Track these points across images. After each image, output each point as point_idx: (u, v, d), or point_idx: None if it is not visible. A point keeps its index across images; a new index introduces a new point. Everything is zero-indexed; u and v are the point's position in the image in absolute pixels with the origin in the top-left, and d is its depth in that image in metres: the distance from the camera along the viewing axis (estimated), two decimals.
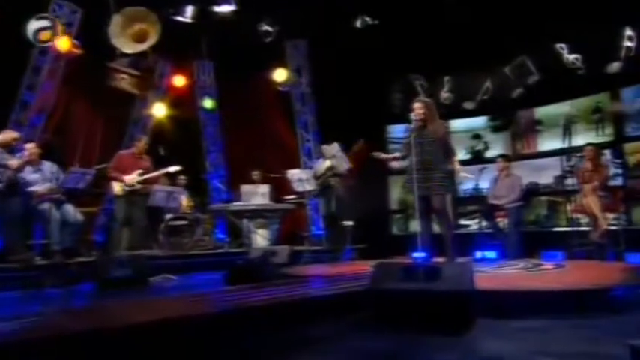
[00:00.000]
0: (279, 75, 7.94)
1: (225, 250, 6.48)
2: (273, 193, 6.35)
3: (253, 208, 6.18)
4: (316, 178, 6.17)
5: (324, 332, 2.54)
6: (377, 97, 7.86)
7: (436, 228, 4.36)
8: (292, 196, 6.71)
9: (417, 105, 4.33)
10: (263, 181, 6.72)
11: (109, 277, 3.83)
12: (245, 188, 6.27)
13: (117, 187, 5.49)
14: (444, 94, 7.80)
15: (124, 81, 5.48)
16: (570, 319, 2.71)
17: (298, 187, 6.21)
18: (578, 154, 5.82)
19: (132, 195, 5.46)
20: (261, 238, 6.42)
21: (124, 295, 3.47)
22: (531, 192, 6.91)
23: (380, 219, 7.79)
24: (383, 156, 4.64)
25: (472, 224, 7.44)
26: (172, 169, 5.72)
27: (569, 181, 6.33)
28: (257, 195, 6.24)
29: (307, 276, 4.09)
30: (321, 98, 7.96)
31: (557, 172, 6.87)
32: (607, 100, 6.60)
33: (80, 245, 5.27)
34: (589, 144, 5.84)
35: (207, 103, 8.51)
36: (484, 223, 6.29)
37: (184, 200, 6.60)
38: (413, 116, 4.28)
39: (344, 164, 5.66)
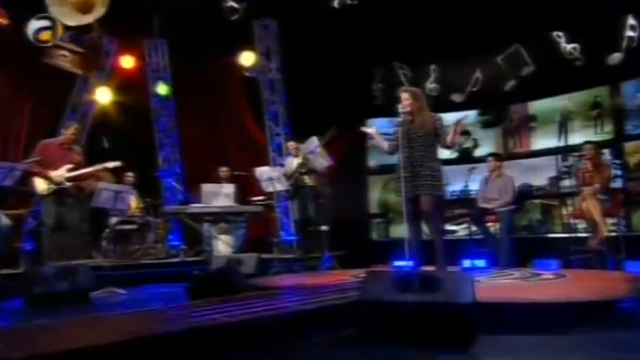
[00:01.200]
0: (246, 59, 7.88)
1: (182, 260, 6.40)
2: (238, 193, 6.29)
3: (216, 210, 6.10)
4: (288, 177, 6.16)
5: (306, 352, 2.51)
6: (356, 86, 7.85)
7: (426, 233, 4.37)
8: (260, 197, 6.67)
9: (403, 95, 4.35)
10: (227, 180, 6.64)
11: (40, 292, 3.70)
12: (207, 188, 6.18)
13: (41, 185, 5.14)
14: (430, 85, 7.85)
15: (64, 59, 5.22)
16: (579, 333, 2.75)
17: (268, 187, 6.13)
18: (577, 154, 5.98)
19: (61, 195, 5.17)
20: (223, 245, 6.33)
21: (59, 313, 3.34)
22: (524, 194, 7.05)
23: (357, 223, 7.81)
24: (371, 130, 4.58)
25: (459, 230, 7.54)
26: (111, 164, 5.45)
27: (566, 183, 6.52)
28: (220, 195, 6.18)
29: (282, 288, 4.06)
30: (293, 87, 7.94)
31: (552, 173, 7.05)
32: (607, 95, 6.81)
33: (6, 255, 5.07)
34: (588, 142, 5.99)
35: (161, 88, 8.39)
36: (473, 229, 6.38)
37: (133, 201, 6.46)
38: (400, 108, 4.30)
39: (322, 161, 5.63)
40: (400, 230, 7.78)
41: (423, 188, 4.17)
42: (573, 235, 6.01)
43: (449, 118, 8.26)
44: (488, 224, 6.13)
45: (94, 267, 4.79)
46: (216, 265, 5.04)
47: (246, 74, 7.92)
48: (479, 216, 6.23)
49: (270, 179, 5.98)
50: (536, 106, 7.45)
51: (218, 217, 6.22)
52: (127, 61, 7.88)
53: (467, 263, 6.19)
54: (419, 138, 4.23)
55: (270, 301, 2.99)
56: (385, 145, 4.43)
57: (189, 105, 8.14)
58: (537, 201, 7.32)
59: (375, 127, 4.70)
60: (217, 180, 6.56)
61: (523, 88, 7.30)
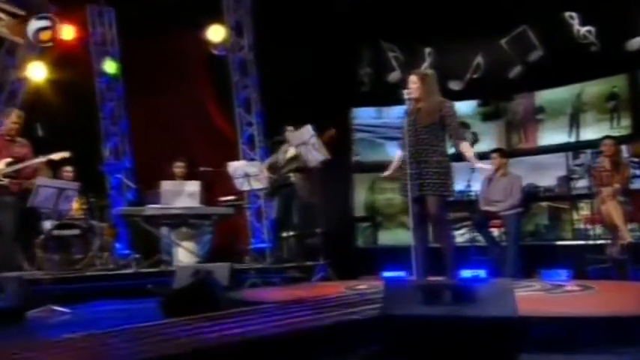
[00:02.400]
0: (214, 33, 7.72)
1: (135, 271, 6.11)
2: (204, 192, 6.17)
3: (178, 212, 5.97)
4: (274, 170, 6.09)
5: None
6: (340, 70, 7.83)
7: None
8: (230, 197, 6.61)
9: (411, 78, 4.36)
10: (187, 176, 6.50)
11: None
12: (167, 186, 6.04)
13: None
14: (424, 71, 7.83)
15: None
16: (623, 354, 2.74)
17: (242, 185, 6.06)
18: (593, 150, 6.07)
19: None
20: (186, 254, 6.17)
21: None
22: (530, 196, 7.11)
23: (341, 228, 7.72)
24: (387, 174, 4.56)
25: (458, 236, 7.50)
26: (57, 155, 5.34)
27: (580, 183, 6.63)
28: (182, 195, 6.03)
29: (276, 302, 3.99)
30: (268, 69, 7.85)
31: (562, 172, 7.16)
32: (625, 85, 6.93)
33: None
34: (608, 137, 6.09)
35: (109, 66, 8.18)
36: (474, 234, 6.41)
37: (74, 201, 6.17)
38: (406, 94, 4.27)
39: (317, 155, 5.55)
40: (389, 236, 7.98)
41: (429, 188, 4.16)
42: (590, 242, 6.10)
43: None
44: (492, 229, 6.18)
45: (29, 280, 4.60)
46: (181, 277, 4.77)
47: (213, 52, 7.80)
48: (482, 221, 6.26)
49: (246, 176, 5.91)
50: (545, 96, 7.53)
51: (180, 221, 6.09)
52: (67, 32, 7.48)
53: (467, 273, 6.19)
54: (424, 129, 4.23)
55: (272, 317, 2.88)
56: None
57: (142, 87, 7.92)
58: (545, 204, 7.42)
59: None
60: (172, 177, 6.48)
61: (530, 76, 7.36)
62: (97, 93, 8.33)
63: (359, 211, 8.09)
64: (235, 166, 6.12)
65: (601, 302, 3.74)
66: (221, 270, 4.77)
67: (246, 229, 7.59)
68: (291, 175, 6.15)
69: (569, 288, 4.37)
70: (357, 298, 3.81)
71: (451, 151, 4.39)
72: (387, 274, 6.31)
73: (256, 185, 6.03)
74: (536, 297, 4.03)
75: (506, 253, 6.01)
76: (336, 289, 4.60)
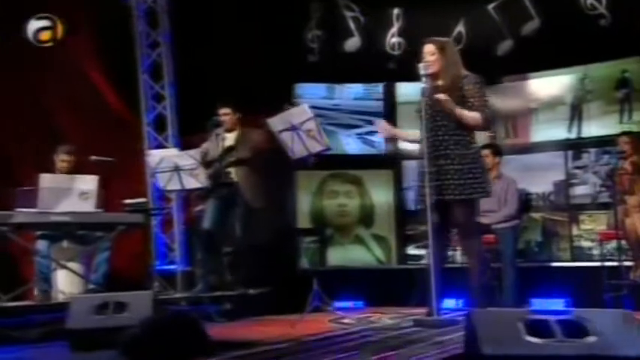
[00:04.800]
0: None
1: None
2: (102, 192, 5.92)
3: (62, 219, 5.68)
4: (205, 165, 5.95)
5: None
6: (280, 32, 7.68)
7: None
8: (140, 200, 6.35)
9: (427, 49, 4.49)
10: (66, 171, 6.19)
11: None
12: (48, 181, 5.73)
13: None
14: (392, 40, 7.82)
15: None
16: None
17: (169, 183, 5.90)
18: (603, 149, 6.12)
19: None
20: (68, 280, 5.95)
21: None
22: (522, 206, 7.14)
23: (279, 244, 7.54)
24: (394, 131, 4.90)
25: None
26: None
27: (581, 190, 6.63)
28: (71, 195, 5.74)
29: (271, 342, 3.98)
30: (187, 27, 7.56)
31: (560, 176, 7.27)
32: (638, 69, 7.08)
33: None
34: (627, 132, 6.25)
35: None
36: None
37: None
38: (420, 69, 4.41)
39: (314, 145, 5.37)
40: (342, 255, 7.90)
41: (451, 190, 4.28)
42: (599, 263, 6.21)
43: (415, 89, 8.38)
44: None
45: None
46: (79, 313, 4.46)
47: None
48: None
49: (177, 170, 5.66)
50: (540, 79, 7.61)
51: (65, 232, 5.88)
52: None
53: (446, 303, 6.15)
54: (441, 114, 4.38)
55: None
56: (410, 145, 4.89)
57: None
58: (538, 215, 7.49)
59: (383, 123, 4.97)
60: (49, 171, 6.14)
61: (523, 53, 7.39)
62: None
63: (303, 221, 7.95)
64: (160, 156, 5.93)
65: None
66: (139, 301, 4.57)
67: (150, 243, 7.32)
68: (231, 171, 6.11)
69: None
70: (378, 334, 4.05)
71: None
72: (340, 304, 6.28)
73: (191, 183, 5.83)
74: None
75: (502, 277, 6.11)
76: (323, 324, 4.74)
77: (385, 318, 5.15)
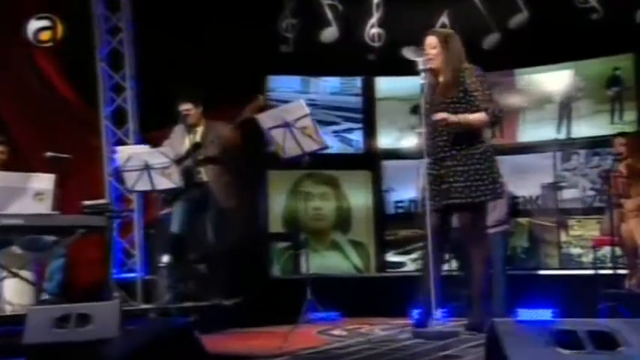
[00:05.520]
0: None
1: None
2: (58, 192, 5.73)
3: (14, 222, 5.45)
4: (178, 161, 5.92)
5: None
6: (253, 23, 7.65)
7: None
8: (101, 201, 6.23)
9: (428, 40, 4.51)
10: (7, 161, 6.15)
11: None
12: None
13: None
14: (371, 30, 7.84)
15: None
16: None
17: (138, 183, 5.79)
18: (593, 150, 6.16)
19: None
20: (17, 290, 5.89)
21: None
22: (510, 210, 7.20)
23: (249, 249, 7.54)
24: None
25: (408, 262, 7.70)
26: None
27: (570, 194, 6.69)
28: (24, 194, 5.54)
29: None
30: (150, 12, 7.50)
31: (548, 178, 7.36)
32: (631, 66, 7.20)
33: None
34: (623, 133, 6.35)
35: None
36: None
37: None
38: (420, 63, 4.42)
39: (309, 143, 5.41)
40: (318, 262, 7.83)
41: (456, 194, 4.31)
42: (575, 272, 6.34)
43: (396, 84, 8.35)
44: None
45: None
46: (37, 326, 4.29)
47: None
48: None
49: (147, 168, 5.56)
50: (528, 76, 7.70)
51: (15, 236, 5.71)
52: None
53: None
54: (443, 110, 4.33)
55: None
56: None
57: None
58: (525, 220, 7.60)
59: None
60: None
61: (510, 47, 7.48)
62: None
63: (275, 225, 7.89)
64: (128, 153, 5.82)
65: None
66: (104, 312, 4.41)
67: (108, 248, 6.88)
68: (201, 170, 6.07)
69: None
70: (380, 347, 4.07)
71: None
72: (315, 314, 6.19)
73: (163, 184, 5.73)
74: None
75: (492, 285, 5.92)
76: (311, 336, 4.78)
77: (376, 329, 5.15)
